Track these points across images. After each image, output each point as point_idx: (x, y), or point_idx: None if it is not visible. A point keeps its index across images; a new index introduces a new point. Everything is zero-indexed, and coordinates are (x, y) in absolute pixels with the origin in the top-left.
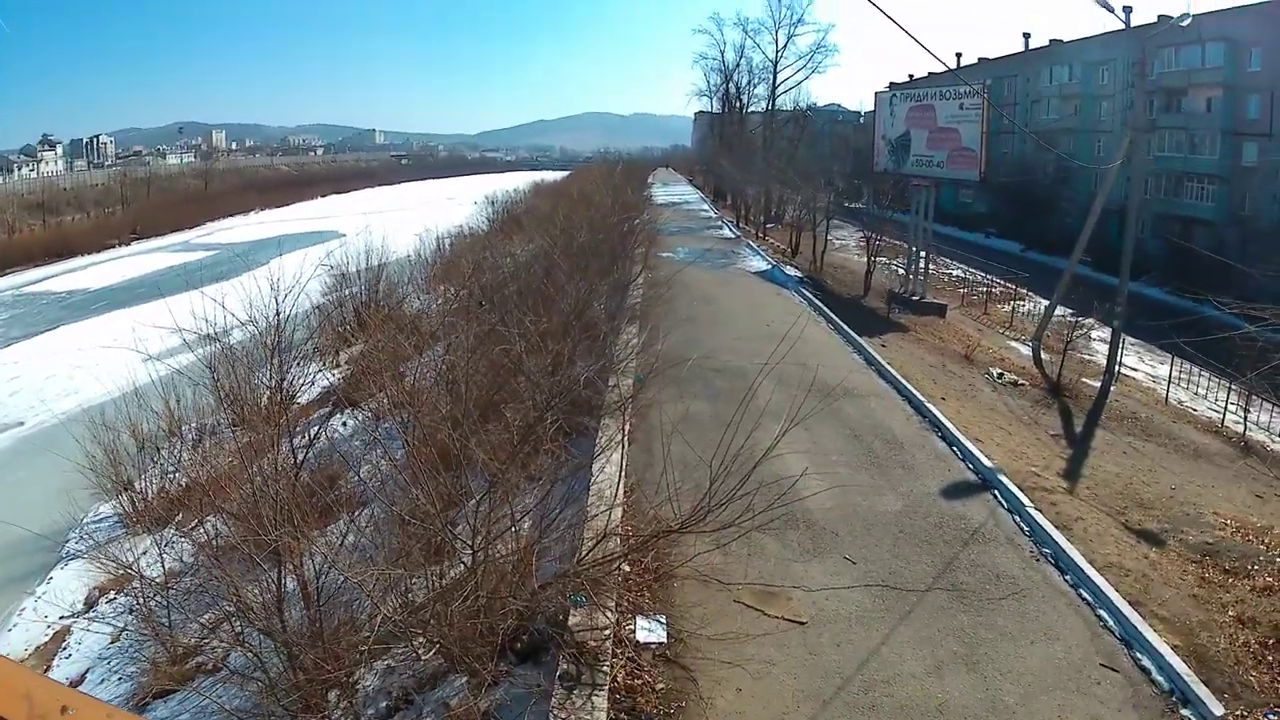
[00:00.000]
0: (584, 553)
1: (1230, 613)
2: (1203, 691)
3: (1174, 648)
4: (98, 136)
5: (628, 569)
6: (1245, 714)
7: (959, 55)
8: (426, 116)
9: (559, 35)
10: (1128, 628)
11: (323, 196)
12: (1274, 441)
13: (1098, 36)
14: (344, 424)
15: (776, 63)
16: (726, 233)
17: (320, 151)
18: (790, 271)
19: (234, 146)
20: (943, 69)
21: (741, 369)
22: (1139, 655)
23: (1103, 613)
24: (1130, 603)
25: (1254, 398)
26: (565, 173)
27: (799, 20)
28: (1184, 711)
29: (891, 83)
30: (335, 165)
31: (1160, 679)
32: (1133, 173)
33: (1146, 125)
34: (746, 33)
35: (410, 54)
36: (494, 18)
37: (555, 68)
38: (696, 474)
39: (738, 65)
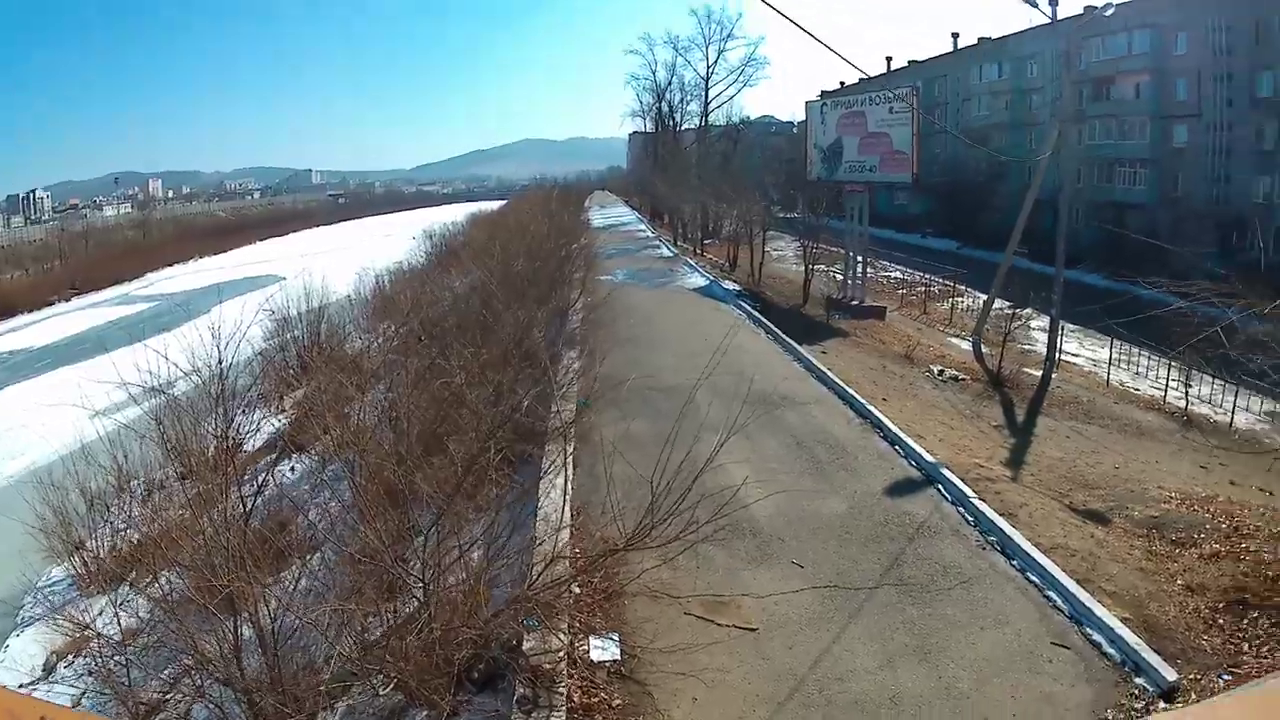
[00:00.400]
0: (534, 577)
1: (1179, 582)
2: (1155, 659)
3: (1124, 620)
4: (33, 191)
5: (578, 590)
6: (1199, 677)
7: (889, 59)
8: (363, 153)
9: (490, 64)
10: (1076, 605)
11: (261, 240)
12: (1217, 413)
13: (1025, 31)
14: (291, 469)
15: (708, 79)
16: (664, 251)
17: (257, 195)
18: (728, 286)
19: (171, 195)
20: (870, 75)
21: (682, 386)
22: (1090, 631)
23: (1051, 593)
24: (1078, 581)
25: (1194, 372)
26: (502, 202)
27: (729, 35)
28: (1138, 680)
29: (823, 91)
30: (273, 209)
31: (1112, 651)
32: (1063, 163)
33: (1075, 115)
34: (677, 51)
35: (343, 92)
36: (424, 50)
37: (488, 97)
38: (639, 493)
39: (670, 84)
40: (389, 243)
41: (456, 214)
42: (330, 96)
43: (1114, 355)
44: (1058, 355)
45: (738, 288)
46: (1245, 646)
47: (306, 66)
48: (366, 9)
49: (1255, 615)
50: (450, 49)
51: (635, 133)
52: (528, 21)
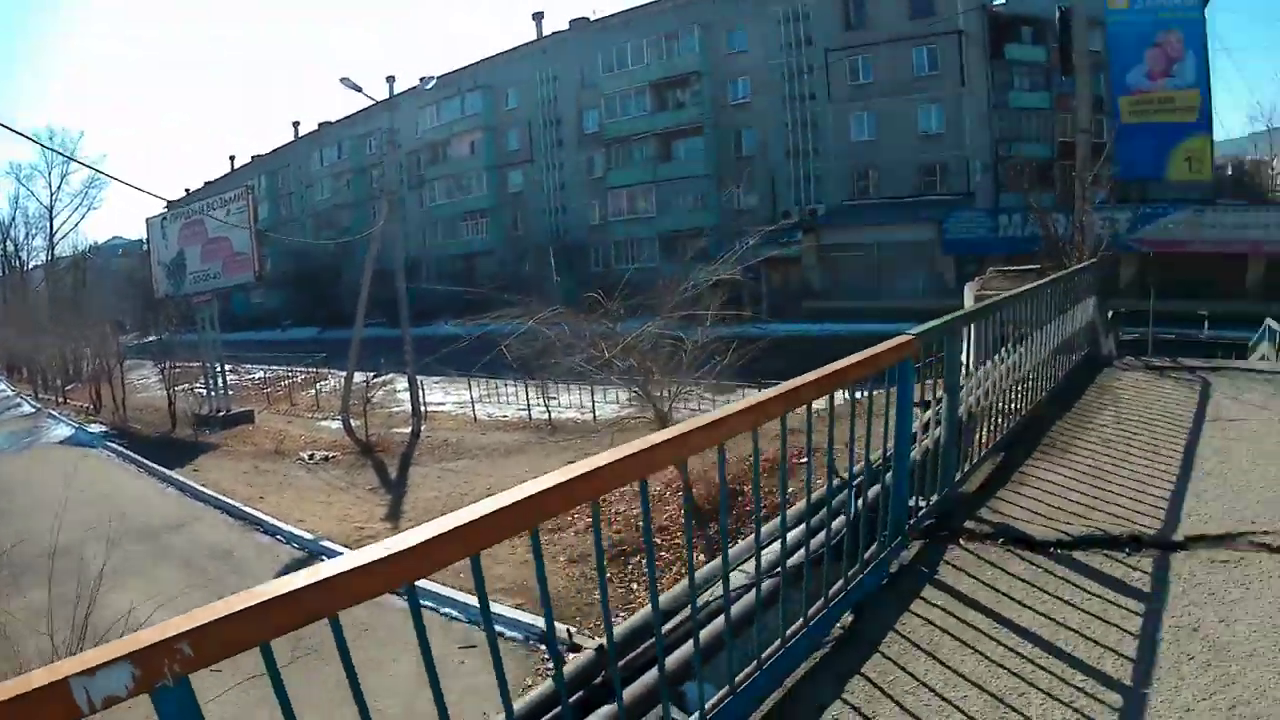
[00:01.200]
0: None
1: (561, 558)
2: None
3: (518, 606)
4: None
5: None
6: (593, 634)
7: (232, 158)
8: None
9: None
10: (471, 612)
11: None
12: (583, 414)
13: (361, 112)
14: None
15: (52, 207)
16: (25, 409)
17: None
18: (94, 429)
19: None
20: (168, 198)
21: (64, 546)
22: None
23: (448, 610)
24: (468, 591)
25: (554, 385)
26: None
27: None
28: (542, 646)
29: (168, 202)
30: None
31: (515, 634)
32: (392, 229)
33: (397, 185)
34: (19, 181)
35: None
36: None
37: None
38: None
39: (13, 219)
40: None
41: None
42: None
43: (479, 393)
44: (423, 408)
45: (104, 428)
46: (634, 586)
47: None
48: None
49: (638, 559)
50: None
51: None
52: None
